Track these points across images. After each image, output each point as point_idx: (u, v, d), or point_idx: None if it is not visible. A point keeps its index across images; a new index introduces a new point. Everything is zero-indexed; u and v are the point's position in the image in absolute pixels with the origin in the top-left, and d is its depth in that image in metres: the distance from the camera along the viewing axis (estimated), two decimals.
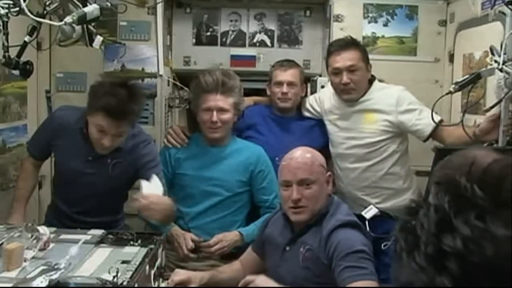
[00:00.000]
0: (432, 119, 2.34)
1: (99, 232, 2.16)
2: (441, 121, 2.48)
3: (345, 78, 2.57)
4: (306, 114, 2.89)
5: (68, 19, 1.95)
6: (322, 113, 2.81)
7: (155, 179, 2.19)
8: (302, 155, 2.07)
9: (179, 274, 2.07)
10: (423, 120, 2.52)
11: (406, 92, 2.63)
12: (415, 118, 2.55)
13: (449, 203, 0.48)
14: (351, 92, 2.62)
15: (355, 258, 1.85)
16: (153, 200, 2.09)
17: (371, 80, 2.69)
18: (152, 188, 2.14)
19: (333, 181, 2.20)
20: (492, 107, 2.17)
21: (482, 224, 0.45)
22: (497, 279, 0.43)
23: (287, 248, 2.07)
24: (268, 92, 2.92)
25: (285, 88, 2.80)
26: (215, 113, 2.52)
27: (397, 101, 2.58)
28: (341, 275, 1.84)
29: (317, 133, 2.81)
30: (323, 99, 2.82)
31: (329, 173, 2.14)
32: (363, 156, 2.64)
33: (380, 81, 2.74)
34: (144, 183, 2.13)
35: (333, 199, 2.09)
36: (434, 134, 2.51)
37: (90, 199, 2.40)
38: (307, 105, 2.90)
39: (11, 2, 1.90)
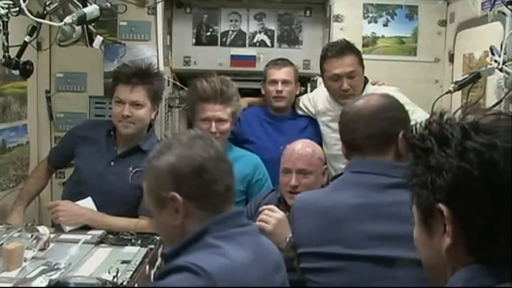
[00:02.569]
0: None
1: (99, 232, 2.17)
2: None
3: (345, 84, 2.56)
4: (300, 112, 2.91)
5: (68, 19, 1.95)
6: (316, 114, 2.82)
7: (88, 200, 2.31)
8: (303, 147, 2.25)
9: None
10: (415, 120, 2.50)
11: (399, 93, 2.59)
12: None
13: (469, 125, 0.84)
14: (349, 97, 2.61)
15: None
16: (62, 203, 2.28)
17: (364, 82, 2.68)
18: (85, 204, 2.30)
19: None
20: (492, 107, 2.17)
21: (490, 138, 0.79)
22: (490, 172, 0.77)
23: None
24: (263, 91, 2.93)
25: (279, 86, 2.82)
26: (213, 123, 2.47)
27: None
28: None
29: (311, 133, 2.81)
30: (316, 100, 2.82)
31: (325, 166, 2.32)
32: None
33: (373, 83, 2.73)
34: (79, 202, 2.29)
35: None
36: None
37: (106, 209, 2.31)
38: (301, 105, 2.91)
39: (11, 2, 1.90)
